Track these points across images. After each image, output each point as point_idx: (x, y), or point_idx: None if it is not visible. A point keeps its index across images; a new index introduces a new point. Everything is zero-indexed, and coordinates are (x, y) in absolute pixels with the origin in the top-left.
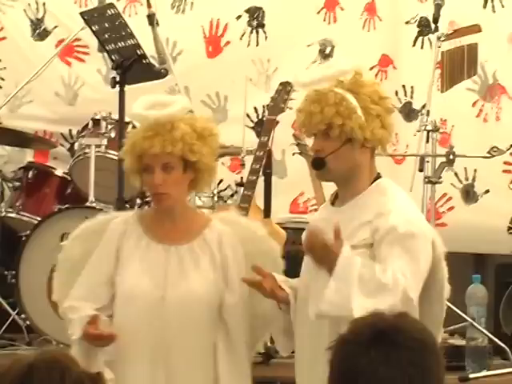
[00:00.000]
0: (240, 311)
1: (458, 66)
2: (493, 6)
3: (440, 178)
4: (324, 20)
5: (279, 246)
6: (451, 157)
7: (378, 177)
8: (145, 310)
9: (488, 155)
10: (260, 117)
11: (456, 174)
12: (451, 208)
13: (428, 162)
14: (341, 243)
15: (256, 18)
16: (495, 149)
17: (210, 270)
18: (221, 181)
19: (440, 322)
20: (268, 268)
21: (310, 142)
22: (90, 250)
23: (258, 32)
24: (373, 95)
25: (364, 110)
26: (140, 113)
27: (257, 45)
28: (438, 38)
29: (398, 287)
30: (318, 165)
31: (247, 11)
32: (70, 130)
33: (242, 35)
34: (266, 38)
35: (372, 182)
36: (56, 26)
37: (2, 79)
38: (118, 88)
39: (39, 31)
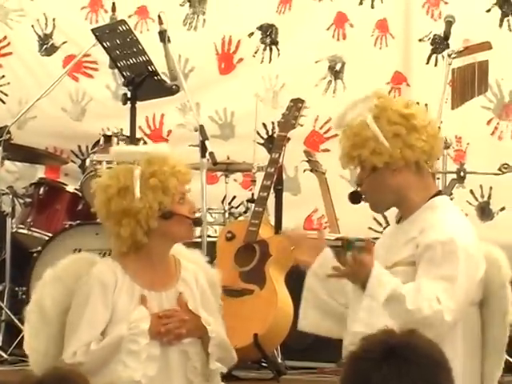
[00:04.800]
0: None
1: (469, 82)
2: (509, 25)
3: (451, 194)
4: (333, 37)
5: (218, 273)
6: (462, 174)
7: (437, 194)
8: (146, 359)
9: (499, 172)
10: (269, 133)
11: (471, 192)
12: None
13: (439, 178)
14: (371, 258)
15: (269, 35)
16: (506, 166)
17: (196, 309)
18: (233, 197)
19: (502, 346)
20: (211, 298)
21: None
22: (61, 300)
23: (271, 49)
24: (392, 116)
25: (383, 134)
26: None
27: (270, 61)
28: (449, 56)
29: (437, 317)
30: (352, 198)
31: (259, 28)
32: (80, 147)
33: (256, 52)
34: (279, 54)
35: (429, 199)
36: (65, 42)
37: (6, 95)
38: (128, 104)
39: (47, 46)
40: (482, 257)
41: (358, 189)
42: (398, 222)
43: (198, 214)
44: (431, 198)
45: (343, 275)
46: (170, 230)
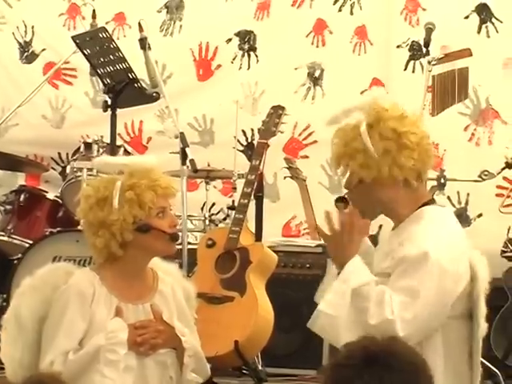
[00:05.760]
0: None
1: (449, 89)
2: (487, 32)
3: None
4: (312, 43)
5: (193, 286)
6: (442, 180)
7: (427, 203)
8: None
9: (479, 179)
10: (249, 140)
11: (449, 198)
12: None
13: None
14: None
15: (247, 41)
16: (486, 173)
17: (172, 321)
18: (213, 204)
19: (477, 360)
20: (187, 310)
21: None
22: (38, 310)
23: (249, 55)
24: (384, 130)
25: (374, 148)
26: (126, 160)
27: (248, 68)
28: (429, 62)
29: (386, 327)
30: (339, 203)
31: (237, 34)
32: (60, 154)
33: (234, 58)
34: (258, 61)
35: (417, 209)
36: (44, 49)
37: None
38: (109, 111)
39: (27, 54)
40: (465, 270)
41: (345, 192)
42: (392, 229)
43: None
44: (420, 207)
45: (332, 241)
46: (147, 243)
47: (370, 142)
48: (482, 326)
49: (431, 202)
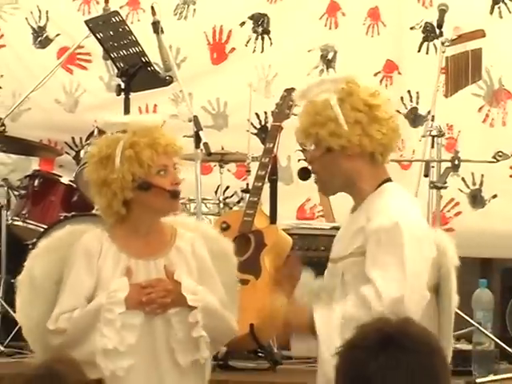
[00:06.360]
0: (216, 308)
1: (463, 71)
2: (500, 12)
3: (445, 183)
4: (325, 26)
5: (230, 243)
6: (456, 162)
7: (386, 181)
8: (123, 328)
9: (493, 160)
10: (263, 123)
11: (463, 179)
12: (458, 213)
13: (433, 167)
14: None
15: (261, 24)
16: (500, 153)
17: (189, 278)
18: (227, 187)
19: (450, 333)
20: (221, 267)
21: None
22: (51, 269)
23: (263, 38)
24: (356, 103)
25: (345, 118)
26: (129, 119)
27: (261, 51)
28: (442, 44)
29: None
30: (302, 174)
31: (251, 17)
32: (73, 138)
33: (247, 42)
34: (271, 44)
35: (377, 187)
36: (58, 34)
37: (0, 87)
38: (122, 95)
39: (41, 39)
40: (432, 238)
41: (309, 166)
42: (353, 211)
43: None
44: (380, 185)
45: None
46: (148, 201)
47: (340, 112)
48: (455, 298)
49: (388, 180)
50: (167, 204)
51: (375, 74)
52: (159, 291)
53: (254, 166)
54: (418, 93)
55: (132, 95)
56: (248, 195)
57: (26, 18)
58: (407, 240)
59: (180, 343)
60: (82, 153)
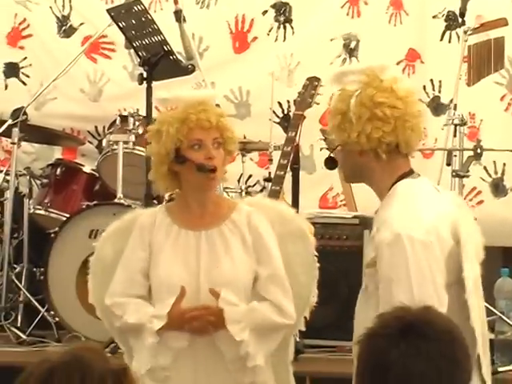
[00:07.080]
0: (277, 282)
1: (485, 59)
2: None
3: (468, 171)
4: (347, 14)
5: (307, 223)
6: (479, 151)
7: (401, 177)
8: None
9: None
10: (285, 112)
11: (485, 168)
12: (480, 202)
13: (456, 156)
14: None
15: (283, 13)
16: None
17: (241, 251)
18: (250, 176)
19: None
20: (299, 247)
21: None
22: (120, 249)
23: (285, 27)
24: (364, 97)
25: (352, 112)
26: (180, 94)
27: (284, 40)
28: (465, 32)
29: None
30: (328, 164)
31: (273, 6)
32: (96, 127)
33: (270, 30)
34: (293, 33)
35: (393, 185)
36: (82, 23)
37: (28, 76)
38: (144, 84)
39: (65, 28)
40: (446, 234)
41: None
42: (376, 212)
43: None
44: (397, 181)
45: None
46: (185, 175)
47: (354, 105)
48: (468, 289)
49: (408, 173)
50: (196, 177)
51: (398, 63)
52: (202, 322)
53: (277, 155)
54: (440, 81)
55: (155, 84)
56: (270, 184)
57: (51, 7)
58: (410, 253)
59: (229, 362)
60: (104, 142)
